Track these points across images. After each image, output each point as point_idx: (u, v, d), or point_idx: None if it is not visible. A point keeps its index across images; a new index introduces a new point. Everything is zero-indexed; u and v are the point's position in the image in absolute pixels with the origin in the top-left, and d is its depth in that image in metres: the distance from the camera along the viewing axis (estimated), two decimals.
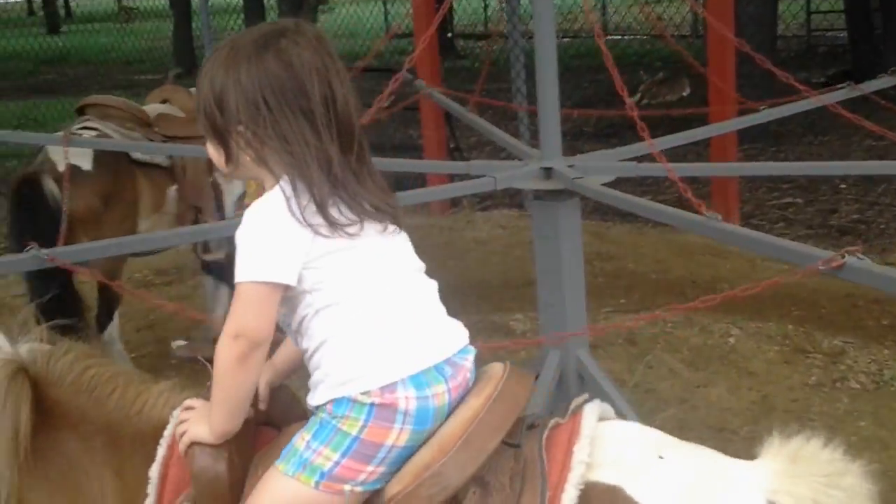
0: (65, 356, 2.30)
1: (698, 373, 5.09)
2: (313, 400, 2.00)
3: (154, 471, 2.14)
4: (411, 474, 1.91)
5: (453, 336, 2.05)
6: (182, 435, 2.06)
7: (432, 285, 2.11)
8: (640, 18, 18.54)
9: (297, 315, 1.99)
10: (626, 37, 19.10)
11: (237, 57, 1.94)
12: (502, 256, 7.35)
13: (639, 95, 13.46)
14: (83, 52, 18.91)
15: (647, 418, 4.46)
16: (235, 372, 1.94)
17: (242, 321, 1.92)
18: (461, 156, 9.57)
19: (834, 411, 4.69)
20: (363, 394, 1.92)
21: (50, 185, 4.97)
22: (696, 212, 3.42)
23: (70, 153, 4.94)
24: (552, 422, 2.02)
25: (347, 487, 1.93)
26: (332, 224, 1.91)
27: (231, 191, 5.88)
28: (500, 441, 1.93)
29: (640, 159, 4.49)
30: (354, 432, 1.92)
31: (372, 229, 1.98)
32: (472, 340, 2.12)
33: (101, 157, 5.19)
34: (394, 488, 1.93)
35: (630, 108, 3.76)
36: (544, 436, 1.97)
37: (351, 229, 1.93)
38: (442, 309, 2.09)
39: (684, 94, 13.51)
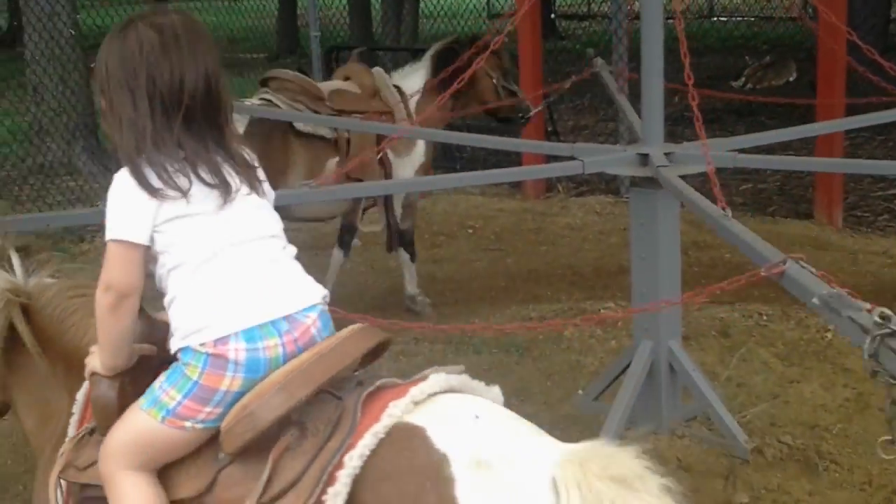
0: (53, 290, 2.68)
1: (792, 368, 4.98)
2: (171, 349, 2.28)
3: (80, 394, 2.50)
4: (233, 413, 2.17)
5: (297, 295, 2.27)
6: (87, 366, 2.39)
7: (284, 249, 2.34)
8: (749, 0, 18.18)
9: (157, 273, 2.28)
10: (733, 19, 18.71)
11: (107, 37, 2.27)
12: (595, 243, 7.30)
13: (743, 79, 13.18)
14: None
15: (738, 412, 4.42)
16: (109, 319, 2.23)
17: (109, 275, 2.21)
18: (558, 139, 9.51)
19: None
20: (201, 345, 2.19)
21: None
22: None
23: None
24: (382, 381, 2.23)
25: (188, 424, 2.21)
26: (150, 189, 2.17)
27: (404, 166, 6.05)
28: (313, 390, 2.15)
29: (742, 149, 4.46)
30: (195, 377, 2.19)
31: (212, 196, 2.22)
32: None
33: (256, 123, 5.50)
34: (223, 425, 2.19)
35: (692, 97, 3.77)
36: (367, 391, 2.18)
37: (172, 193, 2.17)
38: (293, 270, 2.32)
39: (791, 78, 13.18)
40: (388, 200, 6.06)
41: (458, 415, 2.11)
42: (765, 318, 5.61)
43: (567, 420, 4.57)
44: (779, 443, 4.26)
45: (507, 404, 2.21)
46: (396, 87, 6.13)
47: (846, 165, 6.54)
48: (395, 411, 2.10)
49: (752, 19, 18.17)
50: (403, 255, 6.28)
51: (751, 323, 5.55)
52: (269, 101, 5.74)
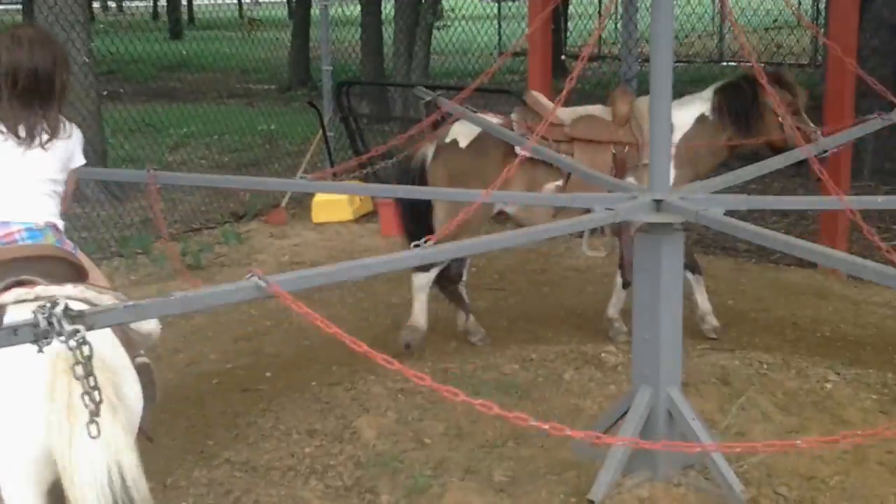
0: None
1: (791, 418, 4.97)
2: None
3: None
4: None
5: (20, 212, 3.43)
6: None
7: (42, 187, 3.51)
8: (759, 47, 18.25)
9: None
10: (742, 64, 18.80)
11: None
12: (599, 286, 7.30)
13: None
14: (203, 59, 19.39)
15: (736, 462, 4.40)
16: None
17: None
18: None
19: None
20: None
21: (425, 151, 6.08)
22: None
23: (459, 132, 5.98)
24: (30, 278, 3.16)
25: None
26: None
27: None
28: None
29: (749, 189, 4.44)
30: None
31: (11, 143, 3.46)
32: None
33: (480, 140, 5.91)
34: None
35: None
36: (15, 279, 3.14)
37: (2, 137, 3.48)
38: (34, 199, 3.48)
39: None
40: (620, 227, 5.89)
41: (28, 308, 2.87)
42: (765, 366, 5.61)
43: (564, 465, 4.56)
44: (775, 494, 4.24)
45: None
46: None
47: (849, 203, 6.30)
48: (13, 295, 3.06)
49: (763, 65, 18.23)
50: (688, 277, 6.16)
51: (751, 371, 5.54)
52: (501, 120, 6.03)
